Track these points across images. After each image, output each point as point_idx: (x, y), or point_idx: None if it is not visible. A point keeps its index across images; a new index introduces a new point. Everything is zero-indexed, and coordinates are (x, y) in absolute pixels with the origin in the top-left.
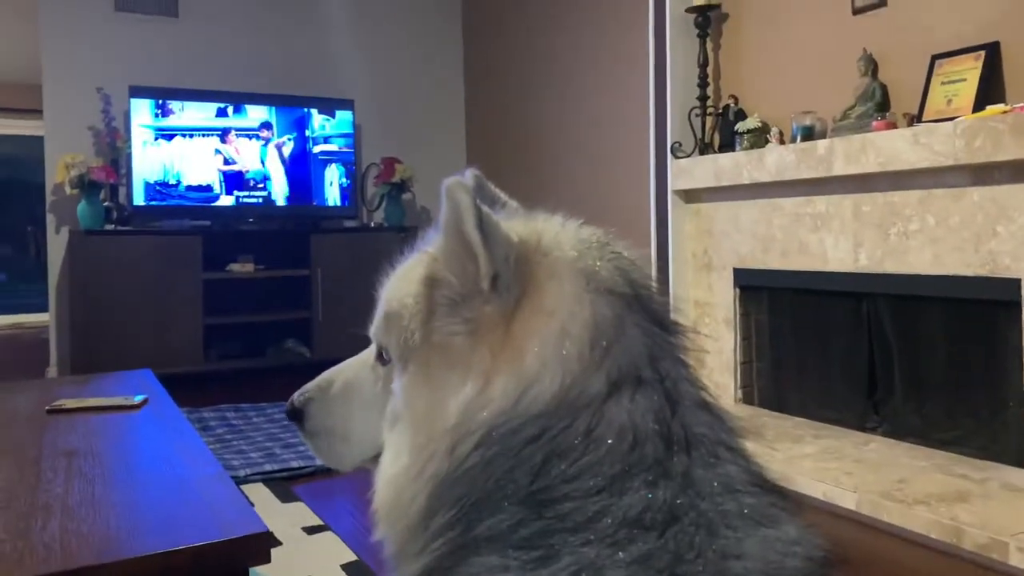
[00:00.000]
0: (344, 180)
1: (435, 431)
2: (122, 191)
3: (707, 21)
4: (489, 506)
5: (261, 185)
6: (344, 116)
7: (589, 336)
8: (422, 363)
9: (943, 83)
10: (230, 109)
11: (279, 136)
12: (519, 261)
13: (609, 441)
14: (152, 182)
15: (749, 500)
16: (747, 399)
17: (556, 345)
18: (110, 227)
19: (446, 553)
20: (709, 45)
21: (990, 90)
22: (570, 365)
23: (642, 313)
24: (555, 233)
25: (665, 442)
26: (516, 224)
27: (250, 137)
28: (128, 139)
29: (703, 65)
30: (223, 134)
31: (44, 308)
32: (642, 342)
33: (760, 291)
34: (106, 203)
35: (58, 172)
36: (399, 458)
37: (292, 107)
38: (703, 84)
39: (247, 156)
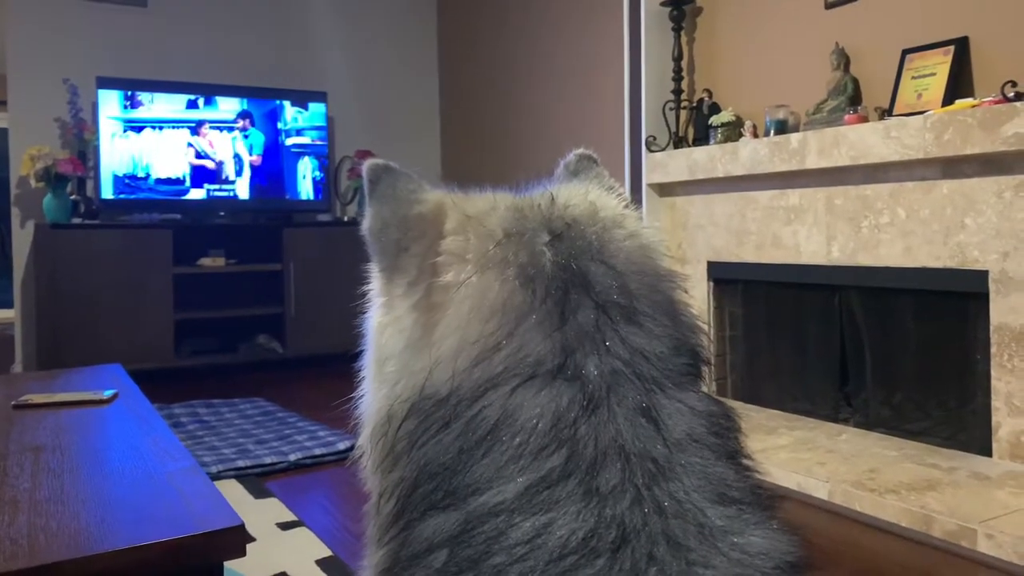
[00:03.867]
0: (317, 173)
1: (384, 374)
2: (90, 184)
3: (682, 15)
4: (421, 506)
5: (232, 178)
6: (317, 108)
7: (489, 320)
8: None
9: (913, 77)
10: (201, 101)
11: (251, 129)
12: (422, 230)
13: (506, 443)
14: (121, 175)
15: (703, 517)
16: (721, 392)
17: (458, 327)
18: (77, 221)
19: (390, 565)
20: (684, 39)
21: (959, 85)
22: (468, 350)
23: (579, 302)
24: (487, 211)
25: (569, 451)
26: (444, 197)
27: (221, 130)
28: (96, 131)
29: (677, 59)
30: (194, 127)
31: (9, 304)
32: (556, 333)
33: (734, 284)
34: (73, 196)
35: (23, 164)
36: (365, 401)
37: (264, 99)
38: (677, 78)
39: (218, 149)
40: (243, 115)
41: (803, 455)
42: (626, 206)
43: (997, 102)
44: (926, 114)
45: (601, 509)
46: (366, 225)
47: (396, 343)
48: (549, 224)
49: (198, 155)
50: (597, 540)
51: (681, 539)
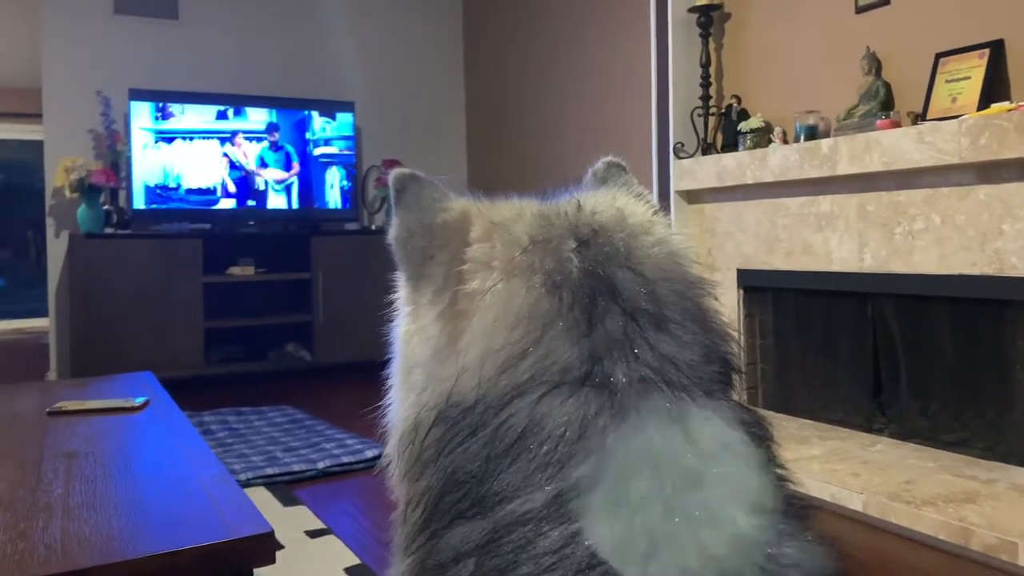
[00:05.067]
0: (345, 182)
1: (411, 384)
2: (122, 194)
3: (709, 21)
4: (448, 514)
5: (261, 188)
6: (345, 118)
7: (515, 327)
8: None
9: (947, 81)
10: (230, 112)
11: (280, 139)
12: (448, 238)
13: (533, 451)
14: (152, 185)
15: (735, 527)
16: (751, 401)
17: (484, 335)
18: (110, 231)
19: (417, 574)
20: (712, 45)
21: (995, 88)
22: (494, 357)
23: (606, 309)
24: (513, 218)
25: (598, 460)
26: (470, 205)
27: (251, 140)
28: (128, 142)
29: (705, 65)
30: (224, 137)
31: (44, 313)
32: (583, 340)
33: (764, 292)
34: (106, 206)
35: (58, 176)
36: (392, 409)
37: (293, 109)
38: (705, 84)
39: (248, 159)
40: (272, 125)
41: (837, 466)
42: (655, 213)
43: None
44: (961, 118)
45: (631, 519)
46: (392, 234)
47: (423, 351)
48: (576, 231)
49: (229, 165)
50: (627, 551)
51: (713, 549)
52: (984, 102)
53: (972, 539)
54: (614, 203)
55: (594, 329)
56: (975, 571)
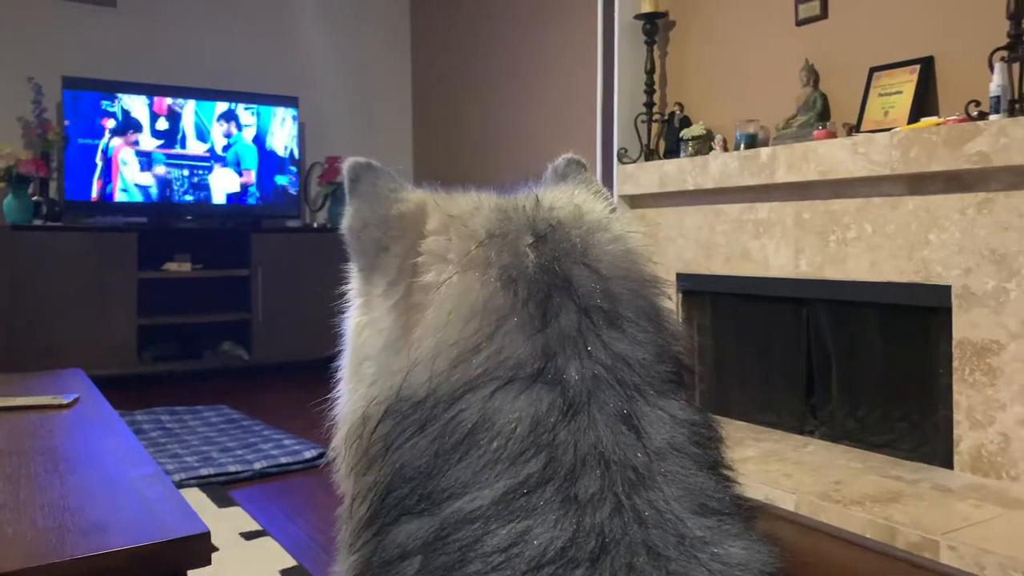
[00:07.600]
0: (287, 179)
1: (361, 377)
2: (53, 185)
3: (655, 29)
4: (395, 510)
5: (200, 182)
6: (288, 114)
7: (470, 321)
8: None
9: (881, 95)
10: (169, 103)
11: (221, 133)
12: (403, 229)
13: (483, 447)
14: (86, 176)
15: (683, 527)
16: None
17: (438, 328)
18: (39, 222)
19: (362, 571)
20: (656, 52)
21: (925, 103)
22: (447, 351)
23: (561, 305)
24: (470, 211)
25: (548, 457)
26: (427, 197)
27: (190, 132)
28: (61, 131)
29: (650, 72)
30: (162, 129)
31: None
32: (537, 336)
33: (703, 296)
34: (35, 197)
35: None
36: (341, 402)
37: (234, 103)
38: (650, 91)
39: (186, 152)
40: (212, 119)
41: (770, 467)
42: (612, 210)
43: (961, 120)
44: (893, 131)
45: (580, 518)
46: (346, 224)
47: (374, 344)
48: (533, 226)
49: (165, 158)
50: (576, 550)
51: (661, 549)
52: (914, 116)
53: (897, 537)
54: (572, 199)
55: (548, 325)
56: (900, 568)
